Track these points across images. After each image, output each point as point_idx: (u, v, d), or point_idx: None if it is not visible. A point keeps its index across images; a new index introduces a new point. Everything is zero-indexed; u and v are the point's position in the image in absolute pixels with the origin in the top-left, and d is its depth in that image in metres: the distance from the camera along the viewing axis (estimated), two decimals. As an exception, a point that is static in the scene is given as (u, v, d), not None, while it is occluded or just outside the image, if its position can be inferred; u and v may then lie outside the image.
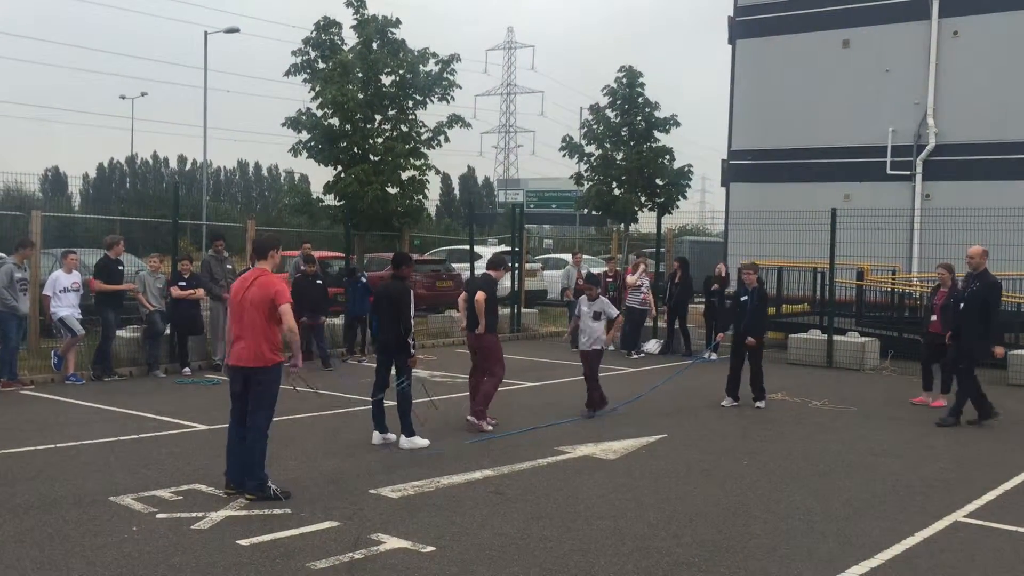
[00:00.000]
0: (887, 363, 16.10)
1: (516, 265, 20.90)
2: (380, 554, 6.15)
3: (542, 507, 7.33)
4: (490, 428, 10.25)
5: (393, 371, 9.52)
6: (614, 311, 11.69)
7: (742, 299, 12.31)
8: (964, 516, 7.37)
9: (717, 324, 17.20)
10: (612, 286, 18.23)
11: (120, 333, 13.93)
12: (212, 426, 10.12)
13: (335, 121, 21.63)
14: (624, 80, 28.82)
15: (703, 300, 18.26)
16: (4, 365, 12.41)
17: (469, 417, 10.40)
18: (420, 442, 9.34)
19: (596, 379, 11.51)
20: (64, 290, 13.08)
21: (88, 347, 13.67)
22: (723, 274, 17.50)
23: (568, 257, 30.46)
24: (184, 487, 7.65)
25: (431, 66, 22.11)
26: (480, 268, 20.68)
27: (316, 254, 17.04)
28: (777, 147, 22.64)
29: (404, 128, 22.11)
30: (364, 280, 16.26)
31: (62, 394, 12.12)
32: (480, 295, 10.46)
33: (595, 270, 21.96)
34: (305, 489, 7.63)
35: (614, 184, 28.88)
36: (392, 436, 9.46)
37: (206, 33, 42.10)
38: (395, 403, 9.41)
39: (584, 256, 22.41)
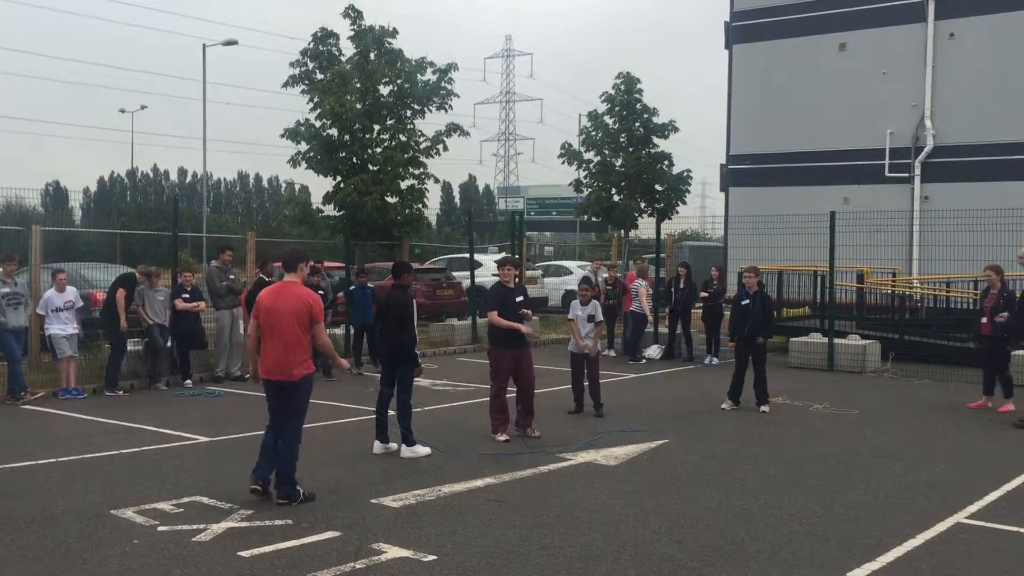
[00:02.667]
0: (888, 365, 16.09)
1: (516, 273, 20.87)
2: (381, 563, 6.15)
3: (543, 514, 7.32)
4: (503, 439, 10.11)
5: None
6: (600, 316, 11.61)
7: (743, 303, 12.24)
8: (966, 517, 7.36)
9: (715, 329, 17.25)
10: (612, 293, 18.25)
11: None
12: (213, 438, 10.13)
13: (334, 131, 21.71)
14: (622, 87, 28.87)
15: (702, 305, 18.29)
16: (15, 379, 12.41)
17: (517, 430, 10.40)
18: (421, 451, 9.33)
19: (597, 381, 11.61)
20: (56, 310, 13.00)
21: (91, 361, 13.67)
22: (714, 279, 17.52)
23: (569, 263, 30.45)
24: (185, 499, 7.65)
25: (429, 75, 22.19)
26: (479, 277, 20.73)
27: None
28: (775, 151, 22.65)
29: (403, 137, 22.16)
30: (371, 287, 16.17)
31: (63, 408, 12.12)
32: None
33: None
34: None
35: (613, 190, 28.92)
36: (393, 445, 9.46)
37: (204, 46, 42.31)
38: (396, 413, 9.42)
39: (581, 262, 22.40)
